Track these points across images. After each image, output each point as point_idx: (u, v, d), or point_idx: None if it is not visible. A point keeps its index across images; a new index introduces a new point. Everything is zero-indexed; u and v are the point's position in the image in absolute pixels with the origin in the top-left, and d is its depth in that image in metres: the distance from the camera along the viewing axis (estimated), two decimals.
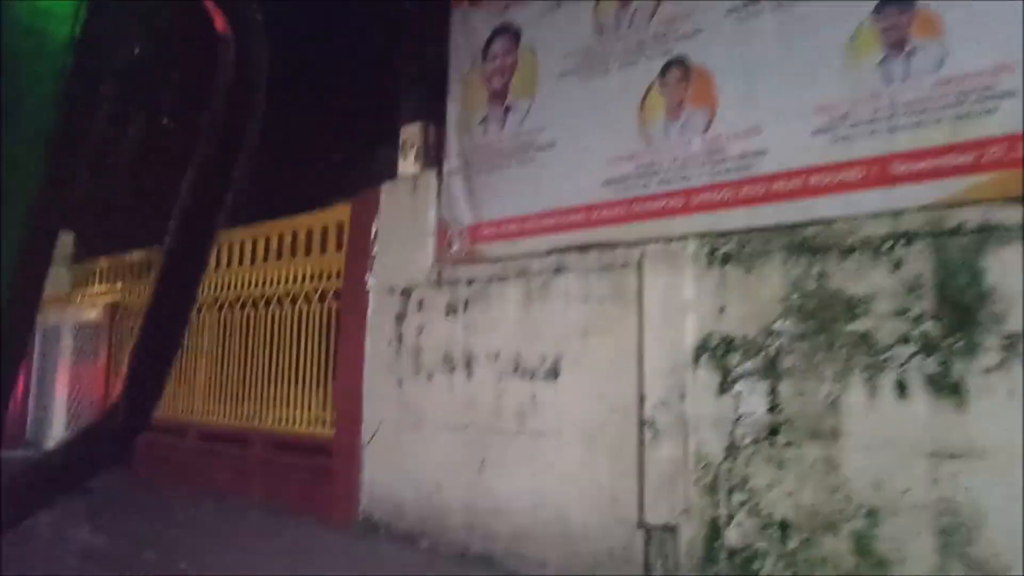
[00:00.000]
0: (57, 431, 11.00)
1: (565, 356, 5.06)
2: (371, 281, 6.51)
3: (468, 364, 5.63)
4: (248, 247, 8.20)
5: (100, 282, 11.21)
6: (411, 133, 7.31)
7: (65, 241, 12.09)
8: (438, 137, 7.33)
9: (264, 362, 7.60)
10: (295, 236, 7.64)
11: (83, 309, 10.98)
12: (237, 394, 7.92)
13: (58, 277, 12.10)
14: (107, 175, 11.19)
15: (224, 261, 8.51)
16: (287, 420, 7.19)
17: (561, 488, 4.97)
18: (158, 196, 9.62)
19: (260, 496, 7.30)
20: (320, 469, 6.75)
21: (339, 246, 7.10)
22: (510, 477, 5.26)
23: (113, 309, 10.20)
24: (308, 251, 7.47)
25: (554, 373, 5.10)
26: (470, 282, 5.73)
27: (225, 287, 8.42)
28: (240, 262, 8.27)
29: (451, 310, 5.83)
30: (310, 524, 6.43)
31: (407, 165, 7.29)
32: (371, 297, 6.49)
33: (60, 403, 11.06)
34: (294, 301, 7.37)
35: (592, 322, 4.95)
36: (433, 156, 7.20)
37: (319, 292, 7.11)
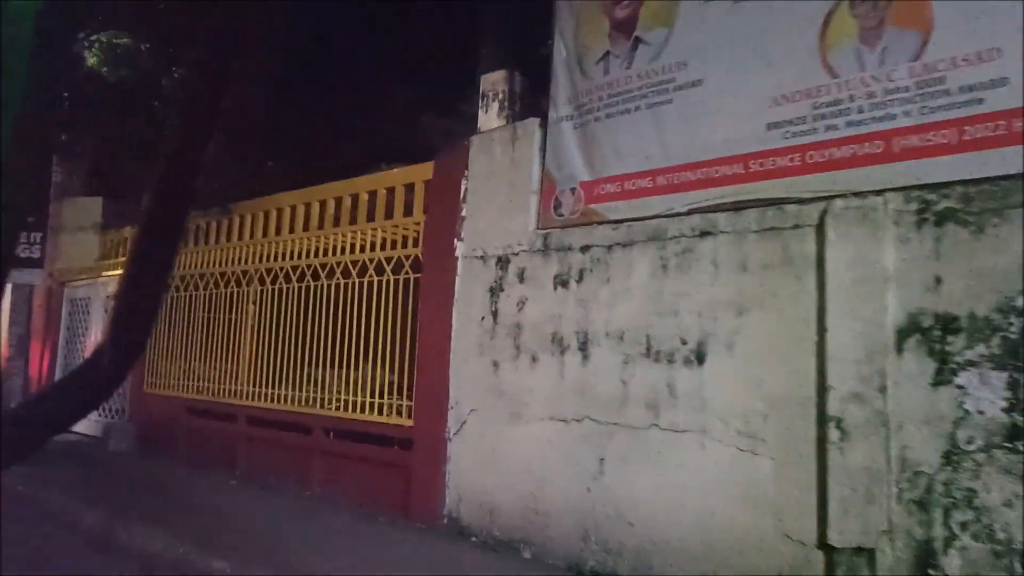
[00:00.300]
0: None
1: (713, 337, 4.18)
2: (460, 248, 5.65)
3: (583, 345, 4.77)
4: (302, 212, 7.37)
5: (127, 251, 10.43)
6: (493, 82, 6.47)
7: (93, 206, 11.37)
8: (525, 86, 6.51)
9: (326, 341, 6.78)
10: (356, 199, 6.79)
11: (114, 279, 10.23)
12: (294, 377, 7.10)
13: (86, 245, 11.38)
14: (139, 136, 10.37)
15: (275, 228, 7.69)
16: (354, 406, 6.36)
17: (705, 495, 4.11)
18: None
19: (321, 489, 6.50)
20: (394, 462, 5.93)
21: (417, 209, 6.26)
22: (638, 479, 4.41)
23: None
24: (376, 215, 6.63)
25: (698, 357, 4.23)
26: (585, 248, 4.87)
27: (278, 256, 7.60)
28: (292, 229, 7.43)
29: (561, 282, 4.97)
30: (383, 523, 5.62)
31: (488, 119, 6.45)
32: (459, 267, 5.64)
33: None
34: (362, 271, 6.53)
35: (751, 295, 4.07)
36: (521, 107, 6.38)
37: (392, 261, 6.27)
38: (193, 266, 8.80)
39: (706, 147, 4.34)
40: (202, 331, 8.43)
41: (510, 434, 5.12)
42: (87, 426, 10.09)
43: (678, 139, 4.48)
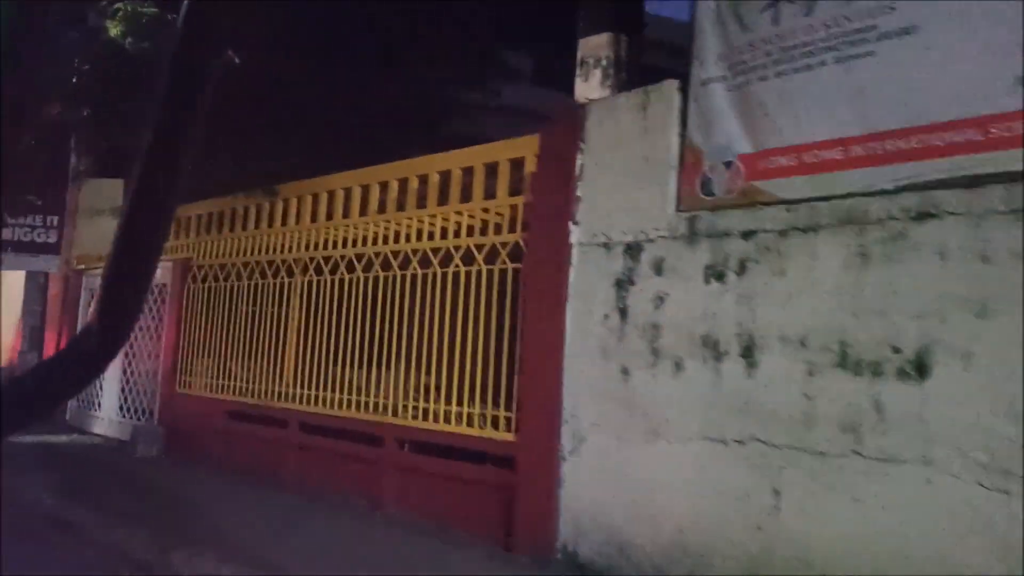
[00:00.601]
0: (109, 413, 9.44)
1: (941, 344, 3.35)
2: (575, 234, 4.82)
3: (748, 350, 3.94)
4: (375, 192, 6.53)
5: None
6: (595, 47, 5.67)
7: (113, 189, 10.52)
8: (632, 49, 5.71)
9: (398, 339, 5.94)
10: (446, 177, 5.95)
11: None
12: (358, 380, 6.26)
13: (106, 230, 10.52)
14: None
15: (340, 210, 6.85)
16: (435, 416, 5.53)
17: (930, 542, 3.28)
18: (228, 141, 7.98)
19: (396, 509, 5.66)
20: (491, 482, 5.10)
21: (500, 190, 5.44)
22: (830, 518, 3.58)
23: (184, 266, 8.57)
24: (456, 197, 5.80)
25: (918, 368, 3.39)
26: (749, 234, 4.03)
27: (338, 243, 6.76)
28: (363, 212, 6.58)
29: (715, 274, 4.13)
30: (479, 553, 4.79)
31: (588, 88, 5.65)
32: (575, 255, 4.80)
33: (112, 379, 9.47)
34: (445, 260, 5.69)
35: (995, 292, 3.24)
36: (628, 75, 5.58)
37: (484, 249, 5.43)
38: (234, 253, 7.95)
39: (924, 109, 3.50)
40: (245, 326, 7.59)
41: (646, 455, 4.29)
42: (112, 428, 9.26)
43: (882, 99, 3.63)
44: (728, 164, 4.17)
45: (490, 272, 5.37)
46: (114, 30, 9.60)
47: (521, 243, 5.20)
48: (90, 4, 9.65)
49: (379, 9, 8.48)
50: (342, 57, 8.35)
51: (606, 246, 4.65)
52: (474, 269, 5.47)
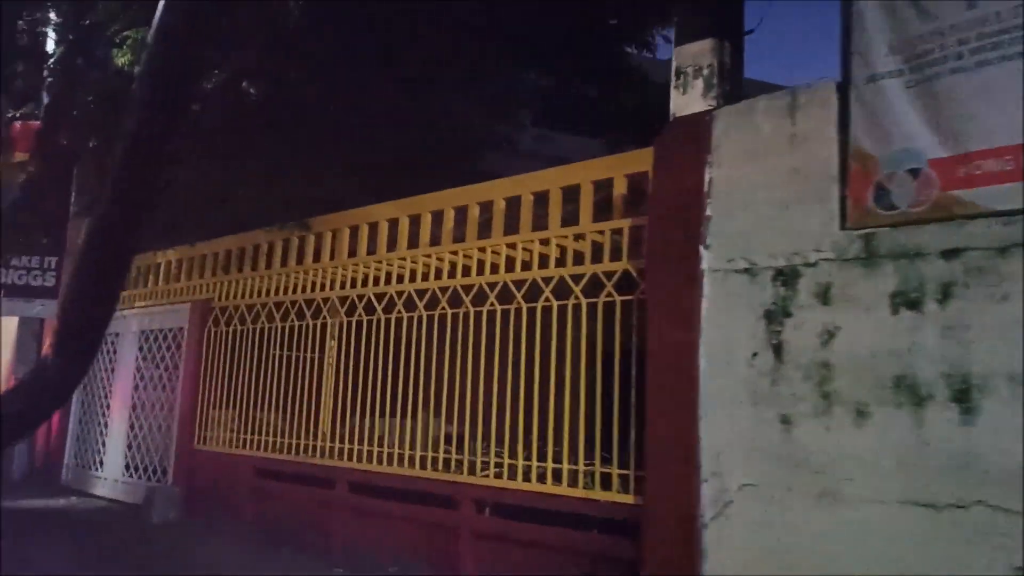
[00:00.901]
0: (113, 472, 8.51)
1: None
2: (706, 259, 4.12)
3: (963, 394, 3.23)
4: (426, 223, 5.85)
5: (167, 278, 8.82)
6: (695, 55, 5.07)
7: None
8: (736, 55, 5.13)
9: (473, 387, 5.18)
10: (515, 203, 5.28)
11: (151, 311, 8.56)
12: (423, 433, 5.47)
13: None
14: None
15: (384, 244, 6.14)
16: (528, 475, 4.75)
17: None
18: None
19: None
20: (606, 552, 4.31)
21: (601, 212, 4.78)
22: None
23: (204, 308, 7.76)
24: (540, 224, 5.12)
25: None
26: (951, 253, 3.35)
27: (385, 278, 6.04)
28: (413, 243, 5.88)
29: (906, 302, 3.44)
30: None
31: (687, 101, 5.02)
32: (707, 284, 4.10)
33: (116, 435, 8.57)
34: (532, 293, 4.97)
35: None
36: (731, 85, 4.99)
37: (583, 280, 4.72)
38: (263, 293, 7.18)
39: None
40: (278, 373, 6.78)
41: (818, 522, 3.54)
42: (117, 490, 8.34)
43: None
44: (914, 172, 3.51)
45: (591, 306, 4.65)
46: (121, 59, 8.91)
47: (632, 271, 4.49)
48: (98, 33, 9.00)
49: (416, 26, 7.91)
50: (378, 77, 7.74)
51: (748, 272, 3.96)
52: (570, 303, 4.76)
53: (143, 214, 4.33)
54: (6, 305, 10.03)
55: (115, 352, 9.04)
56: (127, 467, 8.33)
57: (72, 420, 9.43)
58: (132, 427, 8.40)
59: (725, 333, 3.99)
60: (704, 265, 4.12)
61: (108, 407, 8.88)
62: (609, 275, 4.60)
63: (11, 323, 10.32)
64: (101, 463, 8.74)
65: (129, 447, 8.36)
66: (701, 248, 4.15)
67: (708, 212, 4.17)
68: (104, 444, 8.76)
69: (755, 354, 3.86)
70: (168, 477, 7.63)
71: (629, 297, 4.51)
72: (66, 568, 5.13)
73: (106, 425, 8.83)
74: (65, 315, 3.93)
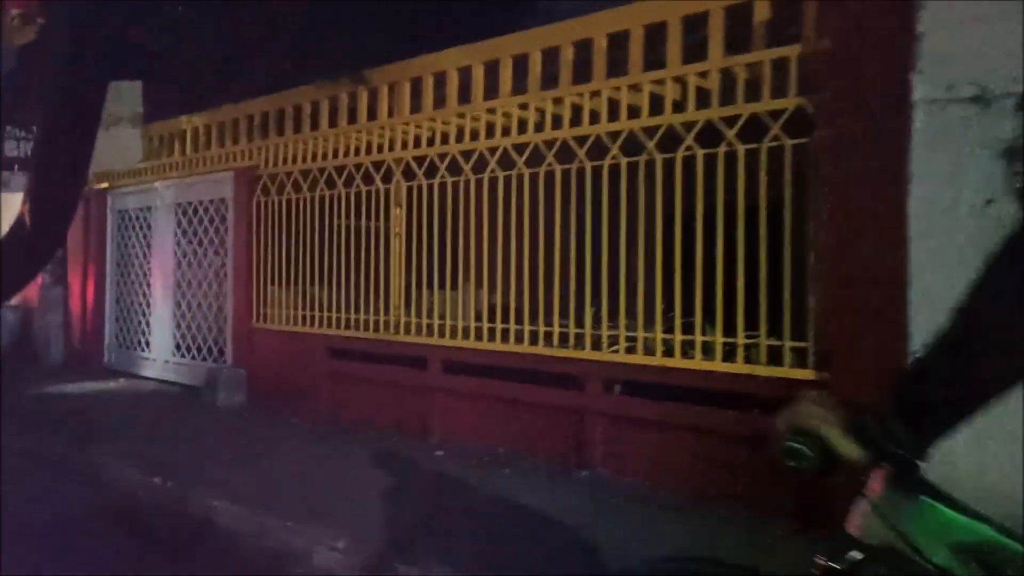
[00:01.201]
0: (163, 353, 8.02)
1: None
2: (919, 87, 3.36)
3: None
4: (507, 69, 5.03)
5: (197, 146, 8.03)
6: None
7: (131, 93, 8.85)
8: None
9: (593, 253, 4.54)
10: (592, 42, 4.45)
11: (186, 182, 7.81)
12: (529, 306, 4.87)
13: (126, 142, 8.91)
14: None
15: (453, 95, 5.32)
16: (669, 349, 4.17)
17: None
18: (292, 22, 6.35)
19: (607, 469, 4.36)
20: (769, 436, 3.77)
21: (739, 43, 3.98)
22: None
23: (249, 176, 7.02)
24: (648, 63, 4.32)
25: None
26: None
27: (470, 134, 5.27)
28: (552, 82, 5.07)
29: None
30: (776, 531, 3.51)
31: None
32: (918, 118, 3.35)
33: (161, 314, 8.03)
34: (665, 144, 4.24)
35: None
36: None
37: (738, 123, 3.97)
38: (316, 157, 6.42)
39: None
40: (348, 243, 6.12)
41: None
42: (168, 371, 7.88)
43: None
44: None
45: (749, 153, 3.93)
46: None
47: (808, 109, 3.74)
48: None
49: None
50: None
51: (979, 101, 3.21)
52: (720, 151, 4.03)
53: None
54: (19, 180, 9.29)
55: (150, 227, 8.36)
56: (177, 347, 7.83)
57: (108, 299, 8.87)
58: (179, 305, 7.84)
59: (944, 179, 3.28)
60: (916, 95, 3.36)
61: (149, 285, 8.29)
62: (776, 115, 3.84)
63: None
64: (147, 343, 8.24)
65: (178, 326, 7.82)
66: (911, 75, 3.37)
67: (920, 28, 3.37)
68: (148, 324, 8.23)
69: (990, 201, 3.17)
70: (226, 357, 7.12)
71: (802, 140, 3.77)
72: (133, 465, 4.65)
73: (148, 304, 8.27)
74: (37, 183, 4.44)
